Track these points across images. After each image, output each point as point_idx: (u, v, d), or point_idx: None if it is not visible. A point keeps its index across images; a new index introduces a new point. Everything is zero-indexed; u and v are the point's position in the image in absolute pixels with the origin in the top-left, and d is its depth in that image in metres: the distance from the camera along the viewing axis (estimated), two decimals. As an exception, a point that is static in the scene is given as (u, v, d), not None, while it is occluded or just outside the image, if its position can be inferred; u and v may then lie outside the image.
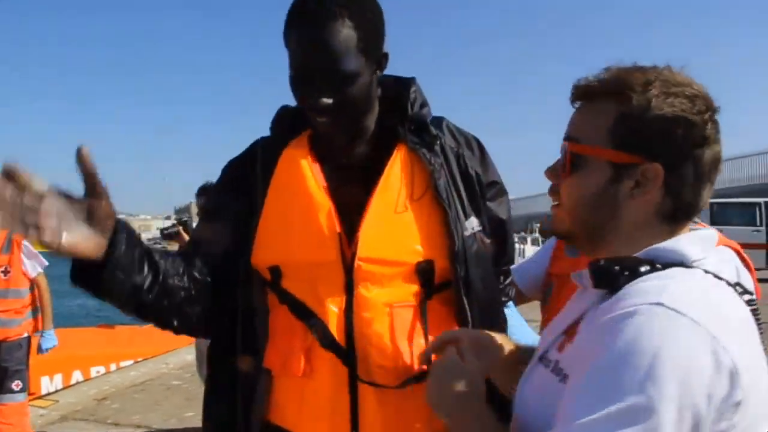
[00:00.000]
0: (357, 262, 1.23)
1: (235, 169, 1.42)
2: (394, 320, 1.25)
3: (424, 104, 1.36)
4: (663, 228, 0.91)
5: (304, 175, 1.29)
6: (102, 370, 7.00)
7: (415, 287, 1.27)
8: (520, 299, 2.07)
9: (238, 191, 1.37)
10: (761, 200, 16.27)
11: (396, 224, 1.27)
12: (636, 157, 0.89)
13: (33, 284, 4.41)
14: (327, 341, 1.23)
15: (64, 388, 6.36)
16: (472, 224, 1.32)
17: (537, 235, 21.75)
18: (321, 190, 1.28)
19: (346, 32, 1.20)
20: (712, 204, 16.26)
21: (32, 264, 4.35)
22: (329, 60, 1.20)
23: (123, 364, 7.11)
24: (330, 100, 1.22)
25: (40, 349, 4.47)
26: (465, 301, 1.29)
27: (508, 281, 1.54)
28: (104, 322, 9.17)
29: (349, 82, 1.22)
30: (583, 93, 0.97)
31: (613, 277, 0.87)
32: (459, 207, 1.31)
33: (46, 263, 4.37)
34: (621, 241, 0.93)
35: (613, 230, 0.93)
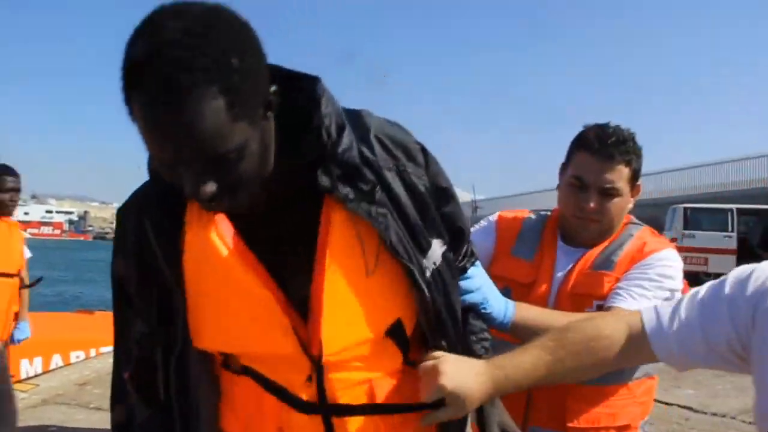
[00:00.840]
0: (324, 357, 1.06)
1: (134, 226, 1.12)
2: (375, 392, 1.12)
3: (341, 125, 1.04)
4: None
5: (225, 260, 1.04)
6: (81, 355, 7.00)
7: (390, 349, 1.14)
8: None
9: (148, 259, 1.10)
10: (733, 206, 16.63)
11: (355, 302, 1.07)
12: None
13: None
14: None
15: (44, 373, 6.37)
16: (435, 254, 1.13)
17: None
18: (256, 277, 1.04)
19: (211, 105, 0.87)
20: (685, 209, 16.63)
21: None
22: (198, 149, 0.90)
23: (103, 350, 7.11)
24: (213, 187, 0.94)
25: (12, 340, 4.44)
26: (439, 333, 1.17)
27: (466, 249, 1.31)
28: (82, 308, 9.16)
29: (233, 162, 0.94)
30: None
31: None
32: (415, 249, 1.09)
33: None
34: None
35: None
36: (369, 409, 1.11)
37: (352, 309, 1.06)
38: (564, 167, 1.80)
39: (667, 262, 1.71)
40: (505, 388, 1.18)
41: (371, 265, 1.05)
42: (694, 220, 16.43)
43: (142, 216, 1.09)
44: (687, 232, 16.09)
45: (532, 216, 1.93)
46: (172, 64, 0.86)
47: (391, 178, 1.09)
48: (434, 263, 1.12)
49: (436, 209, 1.15)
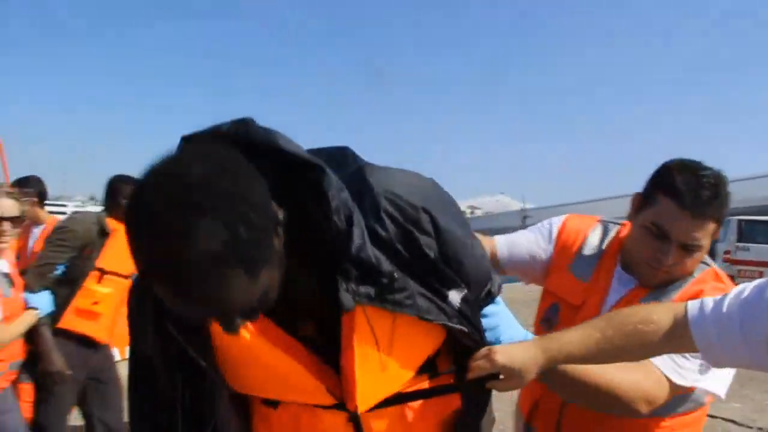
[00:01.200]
0: (360, 412, 1.13)
1: (151, 314, 1.08)
2: (406, 413, 1.19)
3: (349, 217, 1.02)
4: None
5: (253, 344, 1.08)
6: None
7: (418, 378, 1.19)
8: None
9: (172, 349, 1.09)
10: (790, 219, 16.21)
11: (386, 368, 1.11)
12: None
13: None
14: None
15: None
16: (455, 300, 1.15)
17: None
18: (288, 357, 1.09)
19: (228, 282, 0.86)
20: (739, 221, 16.22)
21: None
22: (223, 313, 0.92)
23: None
24: (242, 322, 0.97)
25: None
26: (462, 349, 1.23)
27: (483, 291, 1.29)
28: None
29: (256, 308, 0.96)
30: None
31: None
32: (434, 296, 1.12)
33: None
34: None
35: None
36: (408, 396, 1.18)
37: (383, 375, 1.10)
38: (641, 202, 1.62)
39: None
40: (557, 359, 1.29)
41: (391, 336, 1.09)
42: (748, 232, 16.05)
43: (160, 314, 1.05)
44: (741, 244, 15.73)
45: (598, 230, 1.79)
46: (177, 257, 0.82)
47: (403, 249, 1.09)
48: (456, 306, 1.14)
49: (452, 272, 1.15)
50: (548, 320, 1.78)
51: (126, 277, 3.64)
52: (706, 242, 1.54)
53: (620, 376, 1.42)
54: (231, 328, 0.94)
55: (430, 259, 1.11)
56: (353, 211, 1.03)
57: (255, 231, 0.87)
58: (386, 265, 1.05)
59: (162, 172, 0.87)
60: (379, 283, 1.04)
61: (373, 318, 1.07)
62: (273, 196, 0.94)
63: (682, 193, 1.50)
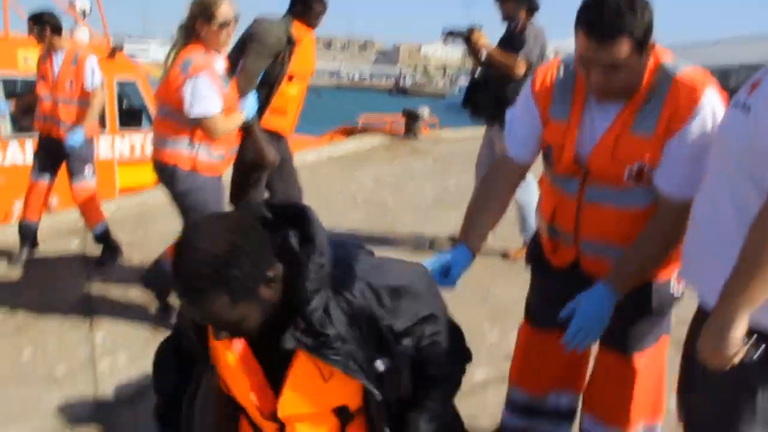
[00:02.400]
0: (279, 415, 1.42)
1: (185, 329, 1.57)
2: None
3: (318, 287, 1.32)
4: None
5: (234, 368, 1.40)
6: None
7: (332, 420, 1.45)
8: (524, 171, 2.02)
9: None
10: None
11: (309, 393, 1.40)
12: None
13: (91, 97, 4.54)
14: None
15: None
16: (379, 367, 1.40)
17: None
18: (252, 374, 1.41)
19: (218, 300, 1.23)
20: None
21: (92, 79, 4.53)
22: (212, 321, 1.32)
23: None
24: (226, 335, 1.35)
25: (66, 144, 4.52)
26: (377, 420, 1.46)
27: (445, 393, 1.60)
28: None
29: (237, 324, 1.30)
30: None
31: None
32: (363, 361, 1.37)
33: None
34: None
35: None
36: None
37: (304, 397, 1.41)
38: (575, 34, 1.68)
39: (707, 119, 1.63)
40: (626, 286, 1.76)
41: (326, 375, 1.37)
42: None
43: (186, 330, 1.56)
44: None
45: (562, 70, 1.87)
46: (195, 277, 1.21)
47: (363, 321, 1.37)
48: (380, 369, 1.41)
49: (395, 342, 1.41)
50: (547, 157, 1.93)
51: (306, 79, 4.20)
52: (625, 57, 1.60)
53: (645, 242, 1.74)
54: (216, 335, 1.36)
55: (380, 329, 1.38)
56: (322, 288, 1.32)
57: (246, 274, 1.23)
58: (332, 328, 1.33)
59: (201, 236, 1.24)
60: (317, 339, 1.33)
61: (312, 362, 1.36)
62: (283, 259, 1.31)
63: (586, 23, 1.61)
